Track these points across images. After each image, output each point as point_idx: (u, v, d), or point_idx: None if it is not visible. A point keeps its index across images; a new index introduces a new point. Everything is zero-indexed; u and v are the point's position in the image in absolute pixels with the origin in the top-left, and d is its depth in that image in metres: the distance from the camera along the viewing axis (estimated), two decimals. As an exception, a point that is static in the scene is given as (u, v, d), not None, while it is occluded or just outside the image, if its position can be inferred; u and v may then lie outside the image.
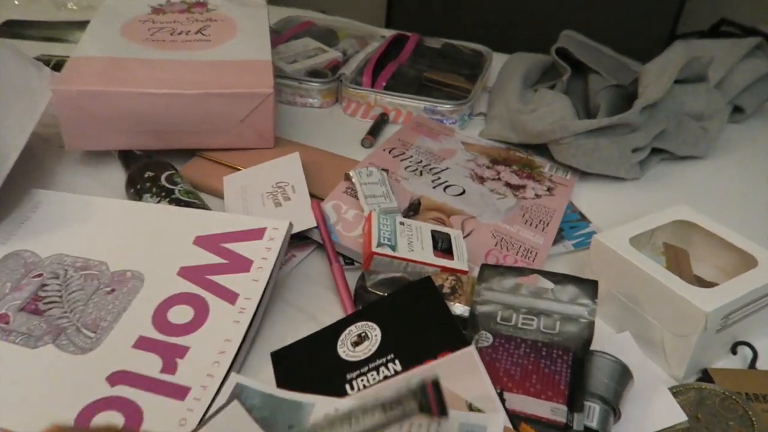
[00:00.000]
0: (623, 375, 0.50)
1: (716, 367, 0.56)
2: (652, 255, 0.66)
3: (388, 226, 0.65)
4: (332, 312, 0.62)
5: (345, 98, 1.01)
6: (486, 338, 0.53)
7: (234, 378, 0.51)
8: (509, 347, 0.52)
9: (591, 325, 0.53)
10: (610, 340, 0.59)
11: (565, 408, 0.47)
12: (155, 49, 0.83)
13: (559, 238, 0.75)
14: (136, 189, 0.71)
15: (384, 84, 1.01)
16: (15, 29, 1.21)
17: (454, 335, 0.51)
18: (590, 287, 0.55)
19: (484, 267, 0.58)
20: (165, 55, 0.81)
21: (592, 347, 0.56)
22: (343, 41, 1.18)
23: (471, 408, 0.46)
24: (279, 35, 1.16)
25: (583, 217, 0.80)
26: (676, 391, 0.53)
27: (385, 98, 0.98)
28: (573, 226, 0.78)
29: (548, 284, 0.56)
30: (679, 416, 0.50)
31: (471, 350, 0.49)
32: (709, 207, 0.82)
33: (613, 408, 0.49)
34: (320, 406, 0.48)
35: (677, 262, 0.64)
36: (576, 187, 0.85)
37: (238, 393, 0.50)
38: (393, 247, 0.63)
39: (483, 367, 0.48)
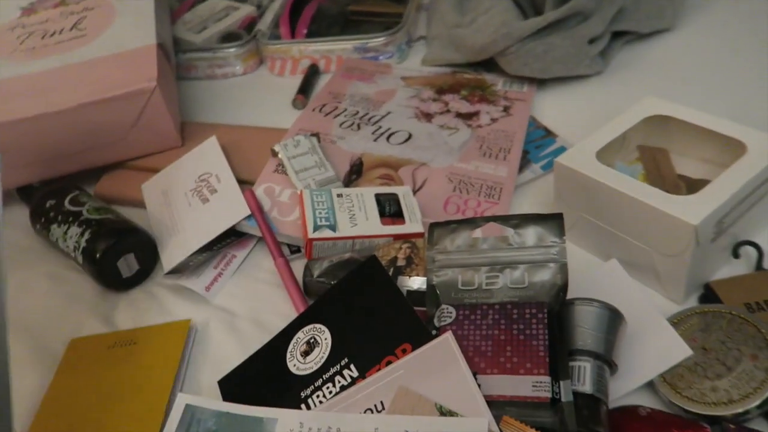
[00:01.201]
0: (613, 320, 0.43)
1: (719, 279, 0.49)
2: (628, 164, 0.57)
3: (324, 203, 0.57)
4: (286, 314, 0.55)
5: (267, 57, 0.91)
6: (448, 313, 0.46)
7: (182, 399, 0.45)
8: (475, 318, 0.44)
9: (563, 268, 0.45)
10: (598, 271, 0.51)
11: (548, 379, 0.40)
12: (25, 60, 0.72)
13: (525, 163, 0.67)
14: (41, 223, 0.63)
15: (304, 31, 0.90)
16: None
17: (410, 324, 0.44)
18: (555, 222, 0.47)
19: (433, 227, 0.50)
20: (36, 66, 0.71)
21: (576, 291, 0.49)
22: (257, -9, 1.06)
23: (442, 412, 0.39)
24: (182, 2, 1.04)
25: (548, 132, 0.71)
26: (677, 321, 0.46)
27: (309, 47, 0.87)
28: (539, 145, 0.69)
29: (507, 230, 0.48)
30: (684, 351, 0.43)
31: (447, 338, 0.42)
32: (688, 89, 0.72)
33: (606, 362, 0.42)
34: (284, 420, 0.42)
35: (656, 164, 0.55)
36: (536, 99, 0.76)
37: (189, 417, 0.44)
38: (333, 227, 0.55)
39: (462, 357, 0.41)
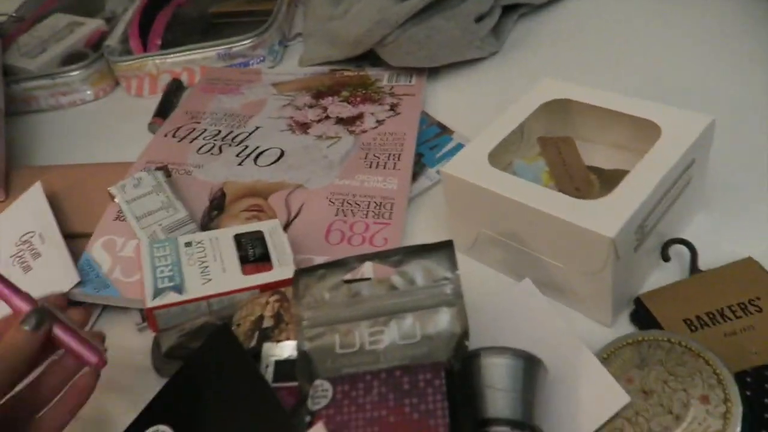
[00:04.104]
0: (529, 372, 0.34)
1: (651, 290, 0.40)
2: (529, 161, 0.48)
3: (167, 257, 0.45)
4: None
5: (121, 77, 0.77)
6: (323, 391, 0.35)
7: None
8: (357, 395, 0.34)
9: (461, 312, 0.35)
10: (509, 293, 0.42)
11: (451, 473, 0.30)
12: None
13: (419, 169, 0.57)
14: None
15: (158, 42, 0.77)
16: None
17: (273, 417, 0.33)
18: (444, 253, 0.37)
19: (298, 276, 0.39)
20: None
21: (485, 319, 0.39)
22: (110, 1, 0.92)
23: None
24: (21, 23, 0.89)
25: (444, 129, 0.61)
26: (607, 356, 0.37)
27: (166, 59, 0.75)
28: (434, 146, 0.59)
29: (388, 269, 0.38)
30: (620, 397, 0.34)
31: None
32: (593, 65, 0.64)
33: (528, 428, 0.33)
34: None
35: (562, 158, 0.46)
36: (427, 92, 0.66)
37: None
38: (178, 288, 0.43)
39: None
